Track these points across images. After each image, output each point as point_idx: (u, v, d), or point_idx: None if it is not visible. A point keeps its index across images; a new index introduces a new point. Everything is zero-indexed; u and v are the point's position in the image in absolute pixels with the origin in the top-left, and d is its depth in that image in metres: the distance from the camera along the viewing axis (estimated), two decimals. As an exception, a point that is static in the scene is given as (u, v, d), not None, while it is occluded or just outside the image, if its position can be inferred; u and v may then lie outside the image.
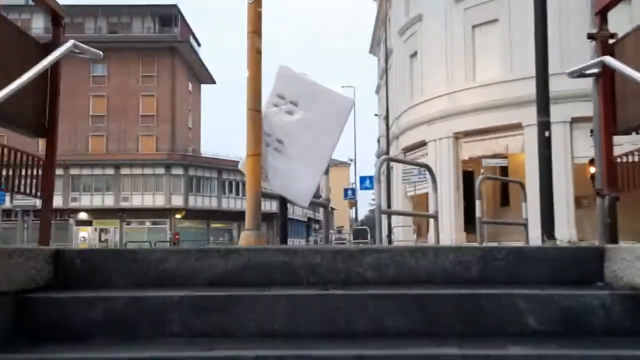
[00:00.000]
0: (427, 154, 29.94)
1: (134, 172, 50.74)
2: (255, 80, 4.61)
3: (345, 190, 35.16)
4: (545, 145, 8.64)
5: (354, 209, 62.10)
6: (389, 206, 27.65)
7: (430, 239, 27.92)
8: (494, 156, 27.21)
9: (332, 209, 63.51)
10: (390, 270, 2.72)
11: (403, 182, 27.56)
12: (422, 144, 30.28)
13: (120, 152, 51.69)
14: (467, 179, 29.96)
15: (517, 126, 25.70)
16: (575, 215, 24.30)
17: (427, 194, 29.17)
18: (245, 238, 4.48)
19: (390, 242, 25.18)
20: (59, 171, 49.54)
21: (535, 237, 9.11)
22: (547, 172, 8.56)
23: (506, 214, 29.53)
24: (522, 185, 9.26)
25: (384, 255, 2.74)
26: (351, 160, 55.18)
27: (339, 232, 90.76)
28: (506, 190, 30.83)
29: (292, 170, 4.56)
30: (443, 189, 28.18)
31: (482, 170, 24.00)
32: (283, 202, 4.68)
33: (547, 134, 8.66)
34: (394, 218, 26.89)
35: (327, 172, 5.22)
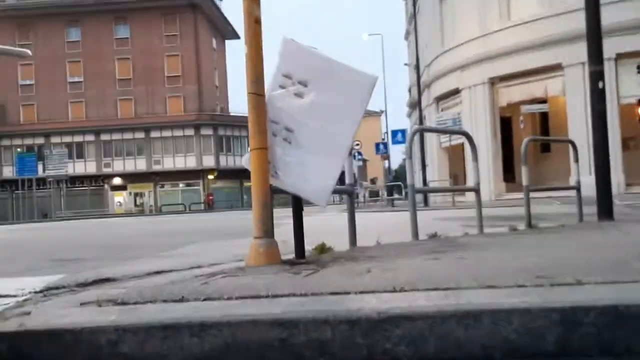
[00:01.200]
0: (461, 102, 28.65)
1: (164, 135, 50.42)
2: (255, 58, 3.76)
3: (377, 144, 34.09)
4: (598, 99, 7.56)
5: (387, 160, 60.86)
6: (422, 159, 26.63)
7: (468, 194, 26.95)
8: (533, 101, 25.82)
9: (365, 160, 62.88)
10: (430, 345, 1.90)
11: (437, 135, 26.44)
12: (456, 91, 28.96)
13: (149, 115, 51.29)
14: (505, 126, 28.68)
15: (557, 67, 24.21)
16: (622, 159, 22.97)
17: (463, 144, 28.03)
18: (253, 250, 3.71)
19: (426, 203, 24.28)
20: (90, 137, 49.87)
21: (586, 183, 8.09)
22: (601, 130, 7.51)
23: (547, 161, 28.34)
24: (574, 145, 8.24)
25: (420, 324, 1.90)
26: (382, 111, 53.66)
27: (373, 182, 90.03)
28: (546, 133, 29.46)
29: (306, 164, 3.74)
30: (480, 138, 26.98)
31: (520, 118, 22.72)
32: (297, 198, 3.89)
33: (600, 85, 7.57)
34: (429, 173, 25.93)
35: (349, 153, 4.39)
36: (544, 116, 27.69)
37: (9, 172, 46.13)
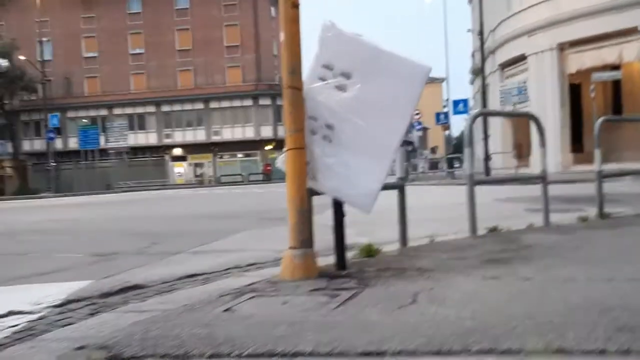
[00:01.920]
0: (527, 69, 27.30)
1: (223, 105, 50.63)
2: (291, 46, 3.32)
3: (437, 114, 33.02)
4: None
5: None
6: (485, 128, 25.57)
7: (533, 165, 25.80)
8: (605, 67, 24.29)
9: (425, 128, 61.10)
10: None
11: (501, 104, 25.31)
12: (522, 58, 27.59)
13: (209, 85, 51.54)
14: (573, 93, 27.21)
15: (632, 31, 22.59)
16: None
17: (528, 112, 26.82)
18: (288, 261, 3.32)
19: (488, 173, 23.36)
20: (151, 108, 50.63)
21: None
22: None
23: (618, 130, 26.77)
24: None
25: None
26: (443, 79, 52.19)
27: (433, 151, 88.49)
28: (618, 101, 27.84)
29: (348, 165, 3.29)
30: (547, 107, 25.72)
31: (591, 87, 21.40)
32: (338, 202, 3.46)
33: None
34: (491, 143, 24.92)
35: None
36: (616, 84, 26.07)
37: (74, 143, 47.39)
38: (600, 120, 6.70)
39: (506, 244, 4.48)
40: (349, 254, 4.20)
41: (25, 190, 47.12)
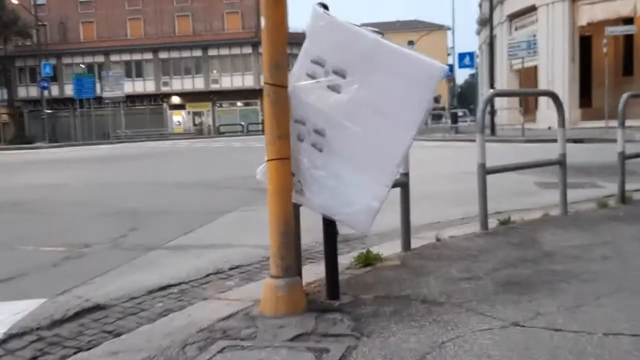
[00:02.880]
0: (537, 20, 26.27)
1: (222, 53, 49.42)
2: (275, 35, 2.73)
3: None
4: None
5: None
6: (491, 82, 24.75)
7: (540, 121, 25.11)
8: (617, 20, 23.30)
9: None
10: None
11: (509, 58, 24.40)
12: (532, 8, 26.54)
13: (207, 32, 50.18)
14: (583, 45, 26.25)
15: (649, -18, 21.60)
16: None
17: (536, 67, 25.95)
18: (270, 293, 2.79)
19: (493, 129, 22.68)
20: (148, 55, 49.49)
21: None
22: None
23: (630, 86, 25.99)
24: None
25: None
26: (448, 28, 50.71)
27: (437, 100, 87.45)
28: (630, 56, 26.94)
29: (342, 178, 2.73)
30: (556, 61, 24.90)
31: (604, 41, 20.52)
32: (329, 221, 2.91)
33: None
34: (498, 100, 24.15)
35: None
36: (628, 37, 25.13)
37: (70, 90, 46.37)
38: (625, 95, 6.07)
39: (523, 249, 3.95)
40: (344, 260, 3.71)
41: (21, 138, 46.57)
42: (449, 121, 27.24)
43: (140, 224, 5.71)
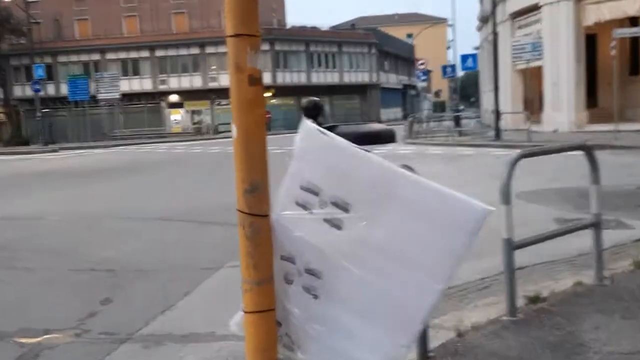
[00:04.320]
0: (540, 19, 25.48)
1: (219, 50, 48.53)
2: (250, 144, 2.05)
3: (444, 67, 31.20)
4: None
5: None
6: (495, 82, 24.00)
7: (545, 122, 24.39)
8: (624, 20, 22.55)
9: (428, 71, 59.14)
10: None
11: (514, 60, 23.65)
12: (535, 7, 25.74)
13: (204, 29, 49.32)
14: (588, 44, 25.49)
15: (659, -19, 20.84)
16: None
17: (540, 67, 25.21)
18: None
19: (498, 133, 21.97)
20: (144, 53, 48.72)
21: None
22: None
23: (635, 85, 25.32)
24: None
25: None
26: (450, 25, 49.90)
27: (437, 95, 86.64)
28: (635, 55, 26.20)
29: (345, 336, 2.06)
30: (560, 62, 24.18)
31: (612, 44, 19.77)
32: None
33: None
34: (502, 101, 23.42)
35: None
36: (636, 41, 24.44)
37: (66, 89, 45.69)
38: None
39: (566, 356, 3.28)
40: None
41: (18, 138, 45.86)
42: (452, 123, 26.49)
43: (114, 291, 5.04)
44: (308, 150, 1.96)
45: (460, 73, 36.10)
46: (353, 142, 2.13)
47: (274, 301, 2.08)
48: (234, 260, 5.93)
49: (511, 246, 3.95)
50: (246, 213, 2.02)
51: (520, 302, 4.14)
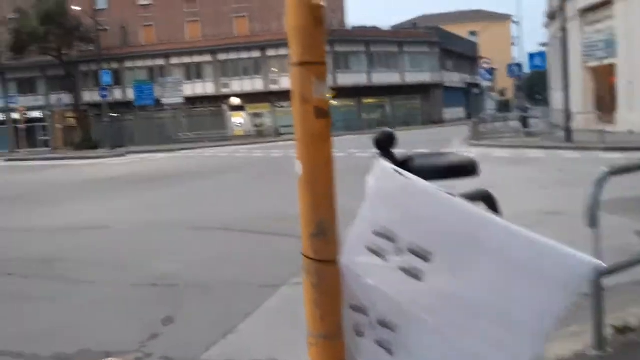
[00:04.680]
0: (613, 16, 24.33)
1: (280, 53, 48.82)
2: (315, 184, 1.83)
3: (510, 66, 30.23)
4: None
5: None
6: (565, 81, 23.07)
7: (619, 123, 23.27)
8: None
9: (493, 69, 57.74)
10: None
11: (585, 57, 22.65)
12: (607, 3, 24.61)
13: (265, 32, 49.71)
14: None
15: None
16: None
17: (613, 65, 24.09)
18: None
19: (569, 135, 21.09)
20: (207, 57, 49.54)
21: None
22: None
23: None
24: None
25: None
26: (515, 22, 48.46)
27: (502, 94, 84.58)
28: None
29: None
30: (636, 60, 22.98)
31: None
32: None
33: None
34: (572, 100, 22.45)
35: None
36: None
37: (132, 94, 47.01)
38: None
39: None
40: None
41: (88, 142, 47.50)
42: (520, 124, 25.60)
43: (176, 310, 4.94)
44: (383, 193, 1.72)
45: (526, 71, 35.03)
46: (431, 177, 1.89)
47: (343, 357, 1.87)
48: (297, 276, 5.77)
49: (599, 276, 3.60)
50: (312, 259, 1.82)
51: (605, 330, 3.79)
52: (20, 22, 44.92)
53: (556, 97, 34.37)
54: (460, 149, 23.07)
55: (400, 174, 1.68)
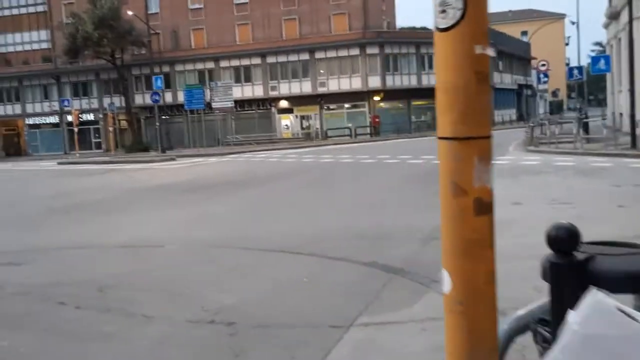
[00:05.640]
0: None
1: (329, 55, 48.41)
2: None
3: (570, 69, 28.93)
4: None
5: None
6: (631, 85, 21.88)
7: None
8: None
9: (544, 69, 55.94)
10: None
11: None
12: (677, 1, 23.24)
13: (314, 34, 49.36)
14: None
15: None
16: None
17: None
18: None
19: (634, 141, 19.95)
20: (256, 60, 49.57)
21: None
22: None
23: None
24: None
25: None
26: (573, 22, 46.69)
27: (554, 95, 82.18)
28: None
29: None
30: None
31: None
32: None
33: None
34: (637, 104, 21.26)
35: None
36: None
37: (183, 97, 47.35)
38: None
39: None
40: None
41: (139, 144, 48.16)
42: (579, 129, 24.41)
43: (236, 357, 4.49)
44: (595, 341, 1.18)
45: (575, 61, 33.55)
46: (624, 289, 1.37)
47: None
48: (365, 314, 5.27)
49: None
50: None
51: None
52: (75, 26, 45.76)
53: (616, 100, 32.88)
54: (517, 156, 22.16)
55: (628, 315, 1.15)
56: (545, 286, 1.41)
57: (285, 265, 7.43)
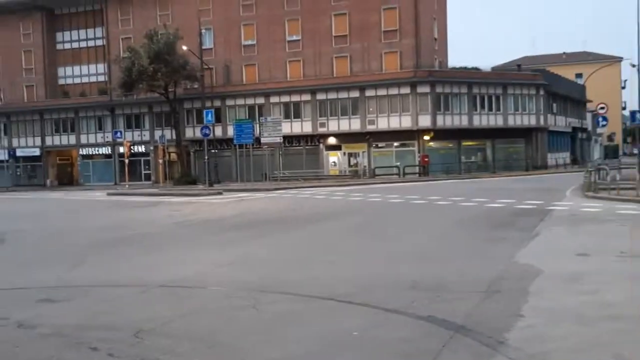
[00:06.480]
0: None
1: (379, 93, 48.08)
2: None
3: (632, 113, 27.75)
4: None
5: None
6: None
7: None
8: None
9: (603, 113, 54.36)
10: None
11: None
12: None
13: (364, 72, 49.21)
14: None
15: None
16: None
17: None
18: None
19: None
20: (306, 96, 49.81)
21: None
22: None
23: None
24: None
25: None
26: (634, 65, 45.23)
27: (610, 139, 79.66)
28: None
29: None
30: None
31: None
32: None
33: None
34: None
35: None
36: None
37: (232, 131, 47.69)
38: None
39: None
40: None
41: (187, 177, 48.60)
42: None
43: None
44: None
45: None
46: None
47: None
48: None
49: None
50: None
51: None
52: (131, 60, 46.87)
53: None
54: (577, 202, 21.13)
55: None
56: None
57: (334, 315, 6.88)
